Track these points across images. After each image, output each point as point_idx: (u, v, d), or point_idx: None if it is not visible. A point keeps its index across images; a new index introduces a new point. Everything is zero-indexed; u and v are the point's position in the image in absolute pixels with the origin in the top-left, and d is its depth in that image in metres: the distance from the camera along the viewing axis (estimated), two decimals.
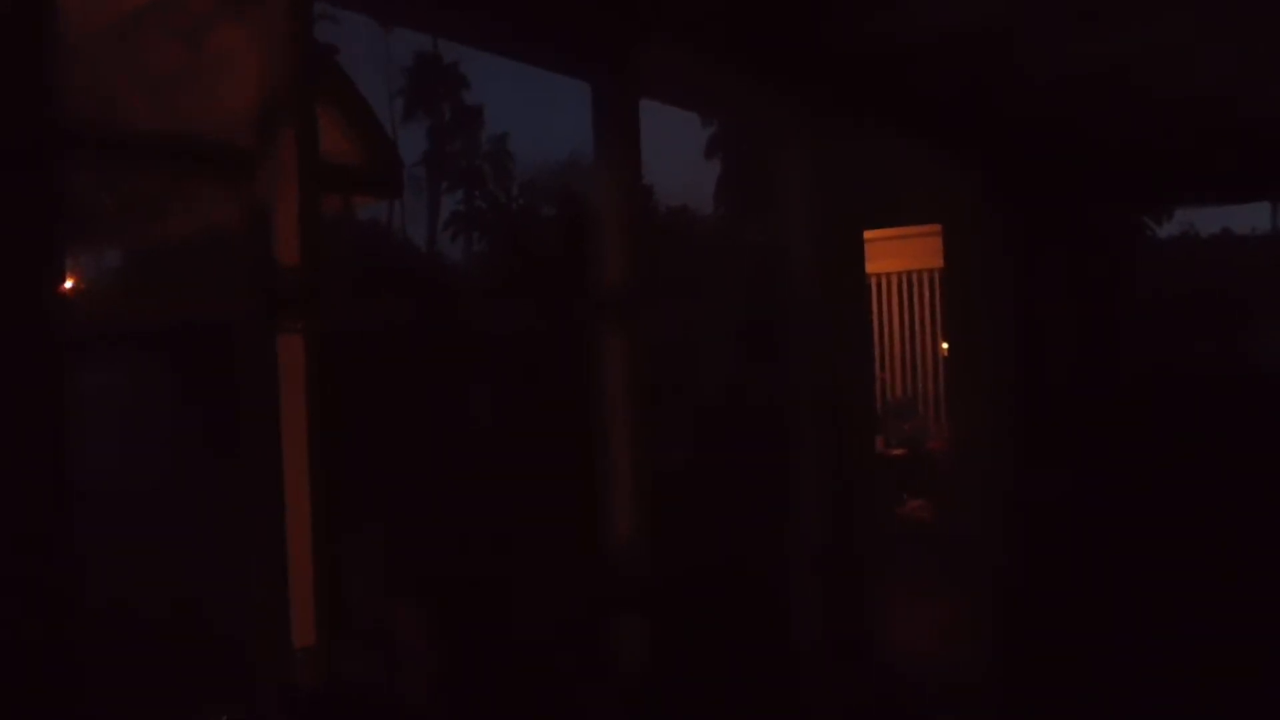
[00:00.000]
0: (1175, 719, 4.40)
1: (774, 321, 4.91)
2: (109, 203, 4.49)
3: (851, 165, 5.11)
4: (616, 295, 3.93)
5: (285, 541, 2.86)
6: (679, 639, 3.97)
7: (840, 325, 4.96)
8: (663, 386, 4.27)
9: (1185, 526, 6.06)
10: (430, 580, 4.26)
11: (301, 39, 2.96)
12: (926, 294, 8.85)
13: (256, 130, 2.92)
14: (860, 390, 5.41)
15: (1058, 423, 6.86)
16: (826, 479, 4.74)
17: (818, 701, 4.48)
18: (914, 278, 8.91)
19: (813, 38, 4.43)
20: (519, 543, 4.70)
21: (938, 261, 7.45)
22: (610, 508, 3.85)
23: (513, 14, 3.64)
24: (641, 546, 3.84)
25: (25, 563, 2.10)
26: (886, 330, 8.97)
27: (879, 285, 8.89)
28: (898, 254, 8.49)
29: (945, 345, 8.32)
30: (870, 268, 6.25)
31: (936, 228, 7.23)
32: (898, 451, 8.04)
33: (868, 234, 5.88)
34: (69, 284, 2.44)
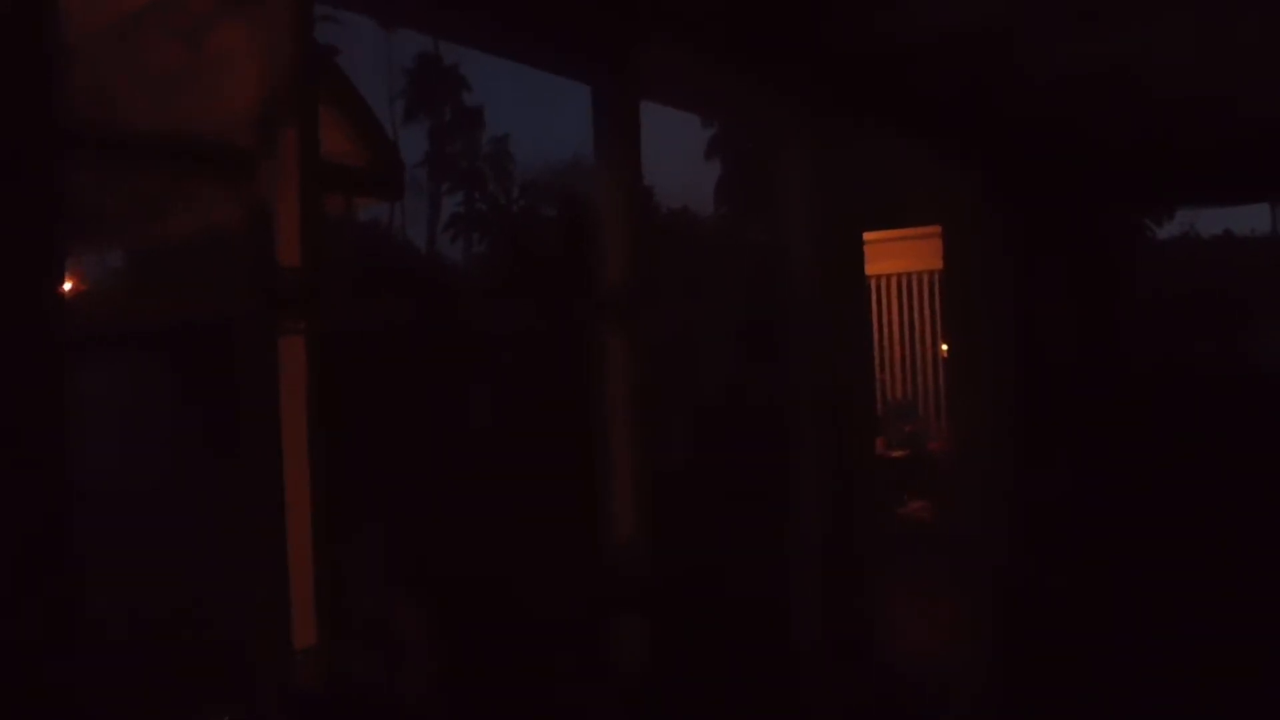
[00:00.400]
0: (1176, 719, 4.40)
1: (774, 322, 4.91)
2: (110, 203, 4.49)
3: (852, 166, 5.11)
4: (617, 296, 3.93)
5: (285, 542, 2.86)
6: (679, 639, 3.97)
7: (840, 326, 4.96)
8: (663, 387, 4.27)
9: (1186, 526, 6.06)
10: (430, 580, 4.26)
11: (302, 40, 2.96)
12: (927, 295, 8.86)
13: (257, 131, 2.93)
14: (860, 391, 5.42)
15: (1058, 423, 6.86)
16: (826, 479, 4.74)
17: (818, 701, 4.48)
18: (914, 279, 8.92)
19: (813, 38, 4.43)
20: (519, 543, 4.70)
21: (938, 263, 7.45)
22: (610, 508, 3.85)
23: (513, 15, 3.64)
24: (641, 546, 3.84)
25: (26, 563, 2.10)
26: (887, 332, 8.98)
27: (879, 287, 8.89)
28: (898, 255, 8.49)
29: (945, 346, 8.33)
30: (870, 269, 6.26)
31: (936, 229, 7.23)
32: (898, 452, 8.04)
33: (868, 235, 5.89)
34: (69, 284, 2.44)
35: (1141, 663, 4.85)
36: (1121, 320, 7.98)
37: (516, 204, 36.43)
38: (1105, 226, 8.09)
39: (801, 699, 4.43)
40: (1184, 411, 7.24)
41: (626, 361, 3.88)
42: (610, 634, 3.83)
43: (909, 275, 8.91)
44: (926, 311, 8.87)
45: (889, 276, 8.92)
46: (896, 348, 9.00)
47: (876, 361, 8.62)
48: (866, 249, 5.62)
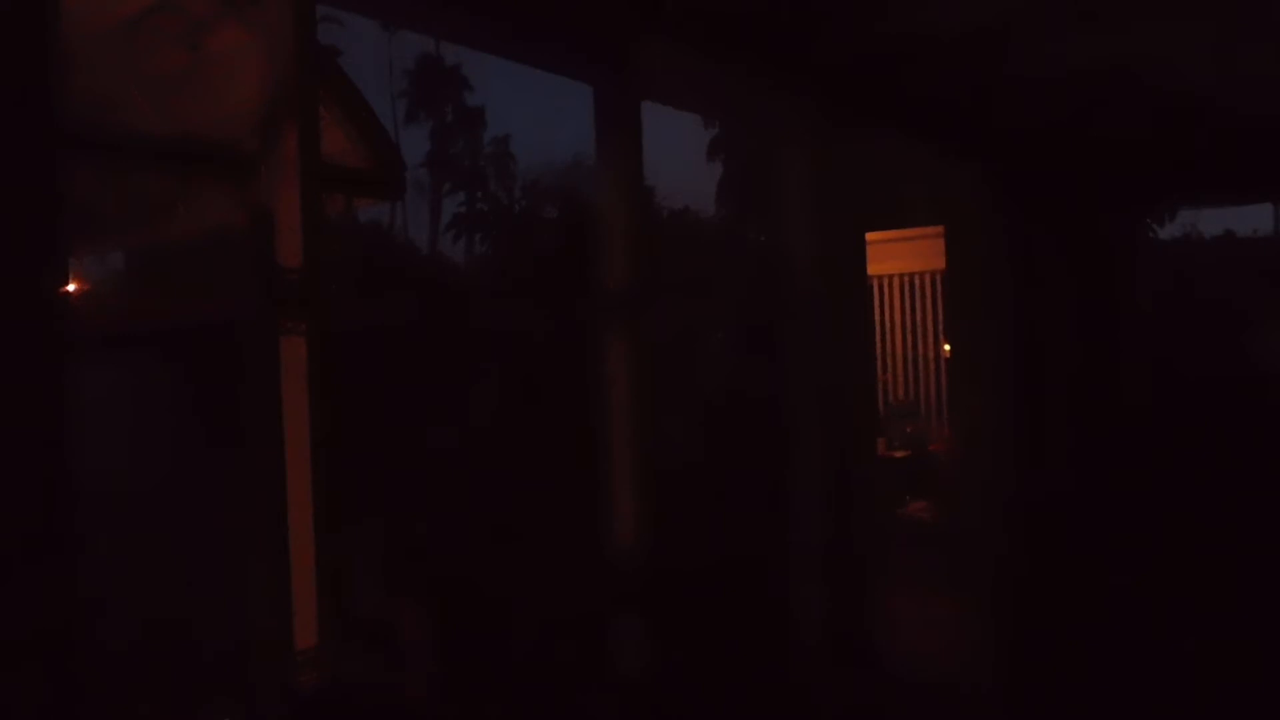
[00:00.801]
0: (1177, 719, 4.40)
1: (776, 322, 4.91)
2: (112, 204, 4.50)
3: (854, 166, 5.11)
4: (619, 296, 3.94)
5: (287, 541, 2.87)
6: (680, 637, 3.97)
7: (842, 326, 4.96)
8: (665, 387, 4.28)
9: (1187, 527, 6.06)
10: (432, 579, 4.26)
11: (304, 41, 2.96)
12: (929, 295, 8.85)
13: (259, 131, 2.93)
14: (862, 391, 5.42)
15: (1059, 424, 6.86)
16: (828, 479, 4.74)
17: (818, 700, 4.48)
18: (916, 279, 8.92)
19: (815, 39, 4.43)
20: (521, 541, 4.70)
21: (940, 263, 7.45)
22: (612, 506, 3.86)
23: (515, 16, 3.64)
24: (643, 545, 3.84)
25: (28, 562, 2.11)
26: (889, 331, 8.97)
27: (881, 287, 8.89)
28: (900, 255, 8.49)
29: (947, 347, 8.33)
30: (872, 269, 6.26)
31: (939, 229, 7.23)
32: (900, 453, 8.04)
33: (870, 236, 5.88)
34: (72, 285, 2.45)
35: (1143, 663, 4.85)
36: (1123, 321, 7.98)
37: (518, 204, 36.42)
38: (1106, 227, 8.09)
39: (802, 698, 4.44)
40: (1185, 412, 7.23)
41: (628, 361, 3.89)
42: (611, 632, 3.84)
43: (911, 275, 8.91)
44: (929, 312, 8.87)
45: (891, 276, 8.92)
46: (898, 348, 9.00)
47: (878, 361, 8.62)
48: (869, 249, 5.62)
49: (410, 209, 35.47)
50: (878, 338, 8.71)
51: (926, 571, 6.10)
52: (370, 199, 6.79)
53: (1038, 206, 7.17)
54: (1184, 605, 5.30)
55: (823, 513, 4.73)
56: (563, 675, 3.82)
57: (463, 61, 38.03)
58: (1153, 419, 7.19)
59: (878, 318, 8.80)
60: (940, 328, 8.71)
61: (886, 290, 8.97)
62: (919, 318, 8.94)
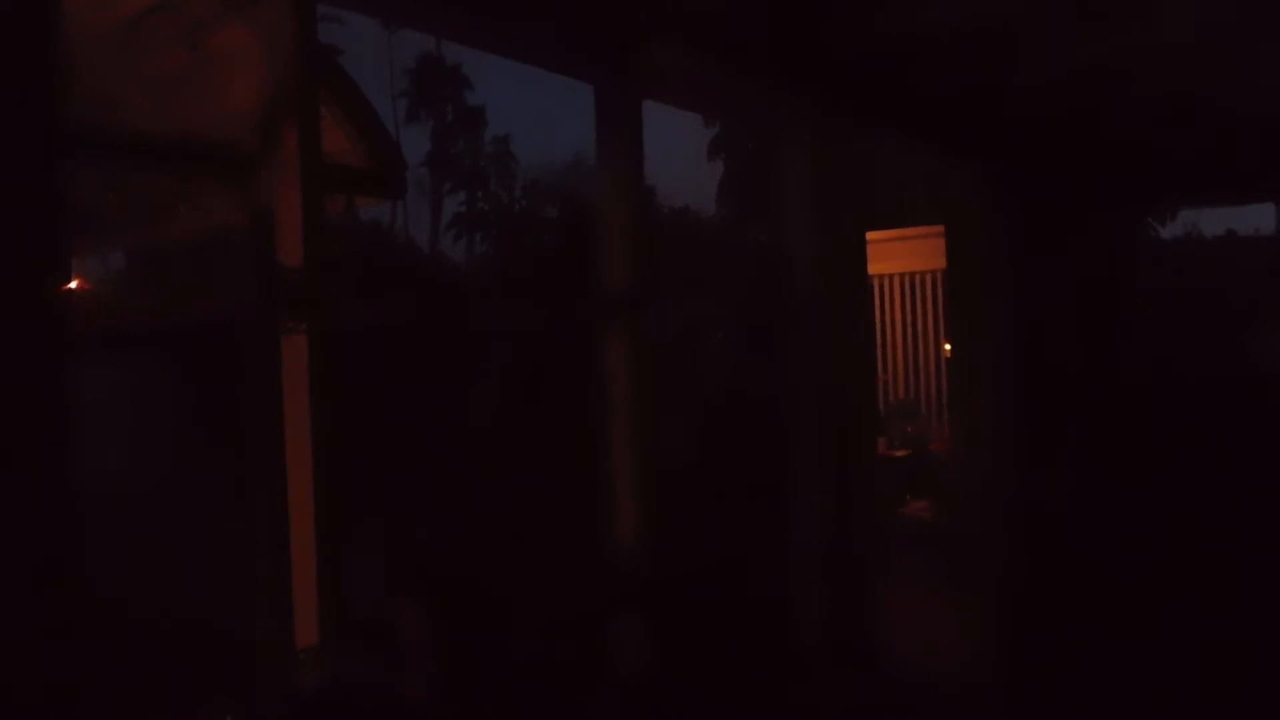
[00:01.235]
0: (1177, 718, 4.40)
1: (776, 322, 4.91)
2: (113, 204, 4.50)
3: (854, 166, 5.11)
4: (619, 295, 3.94)
5: (289, 541, 2.87)
6: (680, 637, 3.97)
7: (842, 325, 4.97)
8: (665, 386, 4.28)
9: (1188, 527, 6.06)
10: (432, 578, 4.26)
11: (305, 40, 2.96)
12: (929, 295, 8.85)
13: (260, 131, 2.93)
14: (862, 390, 5.42)
15: (1060, 423, 6.86)
16: (828, 479, 4.74)
17: (818, 700, 4.48)
18: (917, 279, 8.91)
19: (815, 38, 4.43)
20: (522, 541, 4.70)
21: (940, 262, 7.45)
22: (612, 506, 3.86)
23: (515, 15, 3.64)
24: (643, 545, 3.85)
25: (29, 563, 2.11)
26: (889, 331, 8.97)
27: (882, 286, 8.89)
28: (900, 255, 8.48)
29: (948, 346, 8.32)
30: (873, 269, 6.25)
31: (939, 229, 7.23)
32: (900, 452, 8.04)
33: (870, 235, 5.88)
34: (73, 285, 2.45)
35: (1144, 663, 4.85)
36: (1124, 321, 7.97)
37: (519, 204, 36.44)
38: (1107, 226, 8.09)
39: (802, 698, 4.44)
40: (1186, 412, 7.23)
41: (628, 361, 3.89)
42: (612, 632, 3.84)
43: (912, 275, 8.90)
44: (929, 311, 8.87)
45: (892, 276, 8.92)
46: (899, 347, 9.00)
47: (879, 361, 8.61)
48: (869, 248, 5.62)
49: (411, 209, 35.50)
50: (878, 337, 8.71)
51: (927, 571, 6.10)
52: (371, 199, 6.79)
53: (1038, 206, 7.16)
54: (1184, 605, 5.30)
55: (823, 512, 4.73)
56: (563, 675, 3.82)
57: (463, 61, 38.06)
58: (1153, 418, 7.19)
59: (878, 317, 8.80)
60: (941, 327, 8.70)
61: (887, 290, 8.96)
62: (919, 317, 8.93)
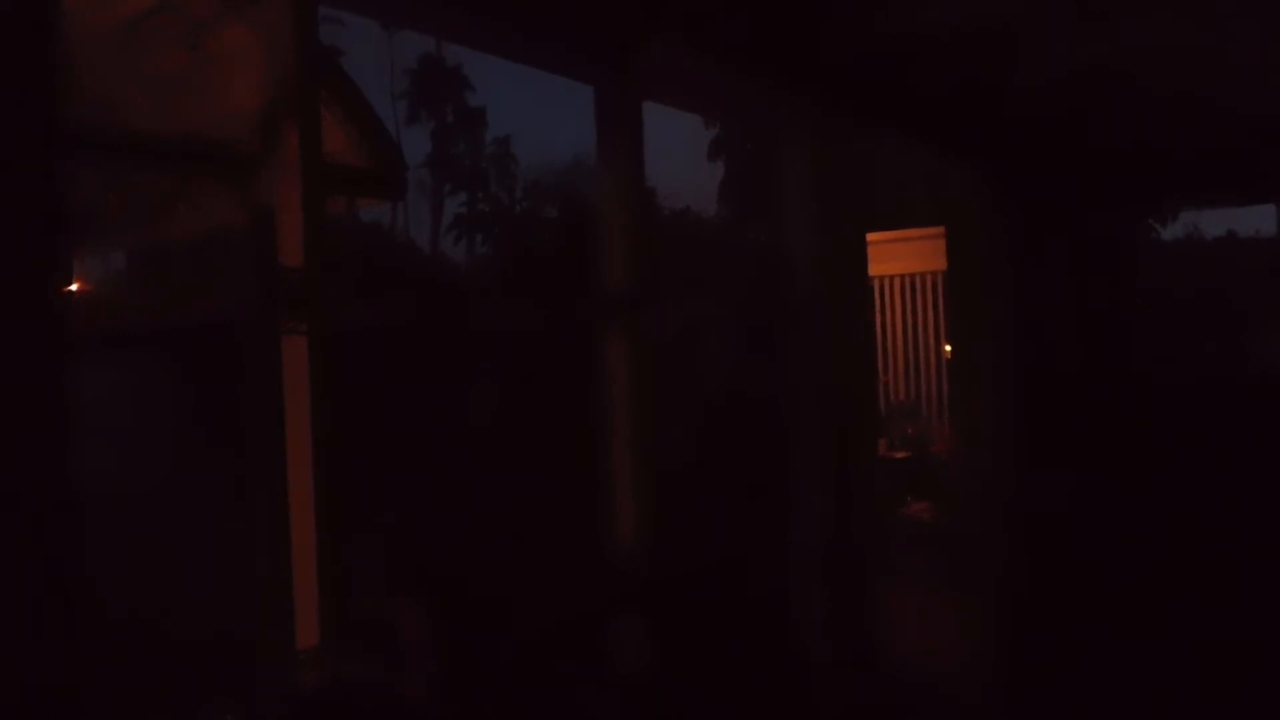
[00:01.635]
0: (1177, 719, 4.40)
1: (776, 323, 4.91)
2: (113, 204, 4.50)
3: (854, 167, 5.11)
4: (619, 296, 3.94)
5: (289, 541, 2.87)
6: (680, 637, 3.97)
7: (843, 326, 4.97)
8: (665, 387, 4.28)
9: (1189, 529, 6.05)
10: (433, 578, 4.26)
11: (305, 41, 2.97)
12: (930, 296, 8.85)
13: (260, 132, 2.93)
14: (862, 392, 5.42)
15: (1061, 425, 6.86)
16: (828, 480, 4.74)
17: (818, 700, 4.48)
18: (917, 280, 8.91)
19: (815, 38, 4.43)
20: (522, 541, 4.70)
21: (941, 263, 7.45)
22: (612, 506, 3.86)
23: (516, 16, 3.65)
24: (643, 545, 3.85)
25: (30, 563, 2.11)
26: (890, 332, 8.97)
27: (882, 287, 8.89)
28: (901, 256, 8.48)
29: (948, 347, 8.32)
30: (873, 270, 6.25)
31: (940, 230, 7.23)
32: (901, 453, 8.04)
33: (871, 236, 5.88)
34: (74, 285, 2.45)
35: (1142, 662, 4.85)
36: (1125, 322, 7.97)
37: (519, 204, 36.45)
38: (1108, 227, 8.08)
39: (802, 698, 4.44)
40: (1187, 413, 7.23)
41: (628, 361, 3.89)
42: (611, 632, 3.84)
43: (912, 276, 8.90)
44: (930, 312, 8.86)
45: (892, 277, 8.91)
46: (899, 348, 8.99)
47: (879, 362, 8.61)
48: (870, 249, 5.62)
49: (411, 209, 35.50)
50: (878, 338, 8.70)
51: (927, 572, 6.10)
52: (371, 199, 6.80)
53: (1039, 206, 7.16)
54: (1184, 605, 5.30)
55: (823, 513, 4.73)
56: (563, 675, 3.82)
57: (464, 61, 38.07)
58: (1153, 419, 7.19)
59: (878, 318, 8.79)
60: (941, 328, 8.70)
61: (888, 290, 8.96)
62: (920, 318, 8.93)
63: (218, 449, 3.57)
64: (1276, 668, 4.59)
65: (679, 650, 3.94)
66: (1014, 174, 6.72)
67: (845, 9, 4.22)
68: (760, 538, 5.08)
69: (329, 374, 2.91)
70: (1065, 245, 7.54)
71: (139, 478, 4.06)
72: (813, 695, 4.50)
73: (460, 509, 5.12)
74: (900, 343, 8.99)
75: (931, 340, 8.88)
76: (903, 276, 8.92)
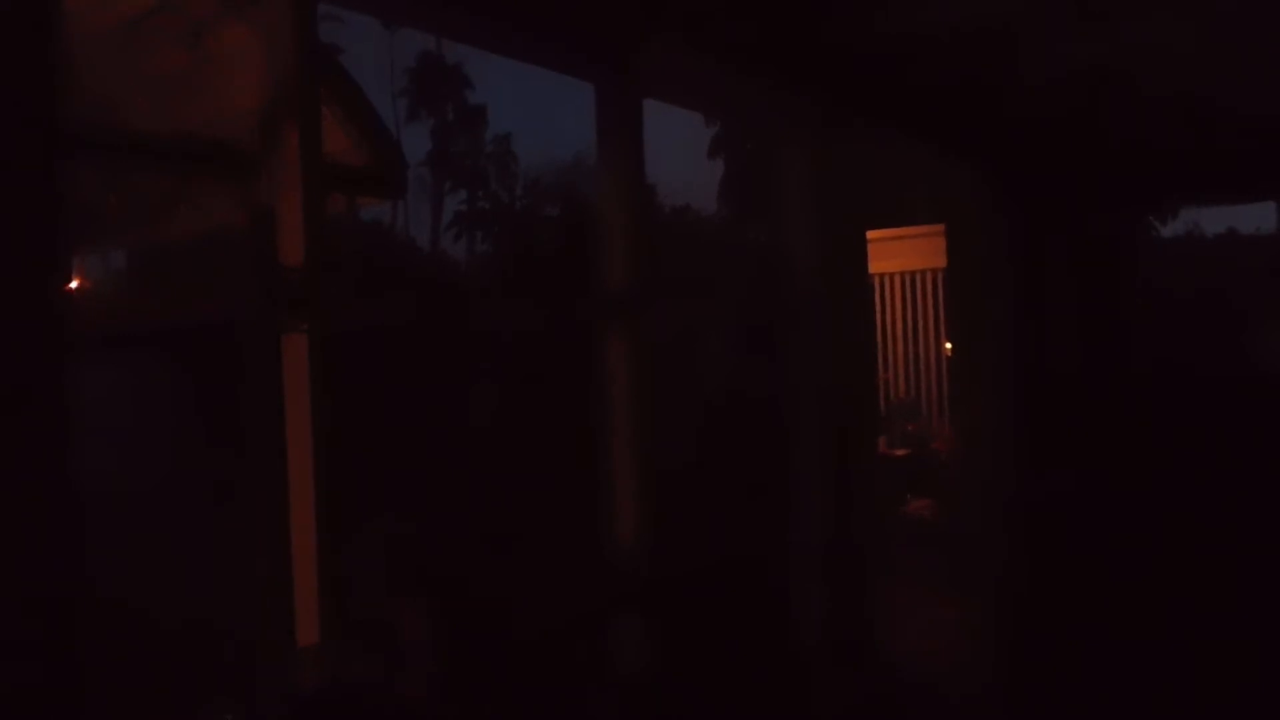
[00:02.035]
0: (1178, 718, 4.40)
1: (776, 321, 4.92)
2: (114, 204, 4.50)
3: (855, 165, 5.11)
4: (619, 295, 3.94)
5: (289, 541, 2.87)
6: (680, 637, 3.97)
7: (843, 324, 4.97)
8: (665, 386, 4.28)
9: (1189, 526, 6.06)
10: (433, 578, 4.27)
11: (305, 39, 2.96)
12: (930, 294, 8.85)
13: (260, 131, 2.93)
14: (863, 390, 5.42)
15: (1061, 423, 6.86)
16: (828, 478, 4.75)
17: (818, 700, 4.48)
18: (917, 277, 8.91)
19: (815, 38, 4.43)
20: (522, 541, 4.71)
21: (941, 261, 7.45)
22: (613, 507, 3.86)
23: (516, 14, 3.65)
24: (643, 545, 3.85)
25: (30, 563, 2.11)
26: (890, 330, 8.97)
27: (882, 285, 8.89)
28: (901, 253, 8.49)
29: (948, 345, 8.32)
30: (873, 267, 6.25)
31: (940, 227, 7.23)
32: (901, 451, 8.04)
33: (871, 234, 5.88)
34: (74, 285, 2.45)
35: (1142, 662, 4.86)
36: (1125, 320, 7.97)
37: (519, 203, 36.45)
38: (1108, 225, 8.09)
39: (802, 698, 4.44)
40: (1188, 411, 7.23)
41: (628, 360, 3.89)
42: (612, 632, 3.84)
43: (912, 274, 8.90)
44: (930, 310, 8.87)
45: (892, 275, 8.92)
46: (899, 346, 9.00)
47: (879, 360, 8.62)
48: (870, 247, 5.62)
49: (412, 208, 35.50)
50: (879, 336, 8.71)
51: (927, 570, 6.11)
52: (372, 198, 6.79)
53: (1039, 205, 7.17)
54: (1184, 605, 5.30)
55: (823, 512, 4.73)
56: (563, 675, 3.82)
57: (464, 60, 38.06)
58: (1154, 418, 7.19)
59: (879, 316, 8.80)
60: (941, 326, 8.70)
61: (888, 288, 8.97)
62: (920, 316, 8.93)
63: (218, 449, 3.57)
64: (1277, 668, 4.59)
65: (679, 650, 3.94)
66: (1014, 173, 6.72)
67: (845, 9, 4.22)
68: (760, 537, 5.09)
69: (329, 374, 2.91)
70: (1065, 244, 7.54)
71: (139, 477, 4.06)
72: (813, 694, 4.50)
73: (460, 508, 5.12)
74: (900, 340, 9.00)
75: (931, 338, 8.88)
76: (903, 274, 8.92)
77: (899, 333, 8.99)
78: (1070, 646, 5.02)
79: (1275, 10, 4.33)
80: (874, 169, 5.67)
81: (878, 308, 8.80)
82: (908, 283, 8.96)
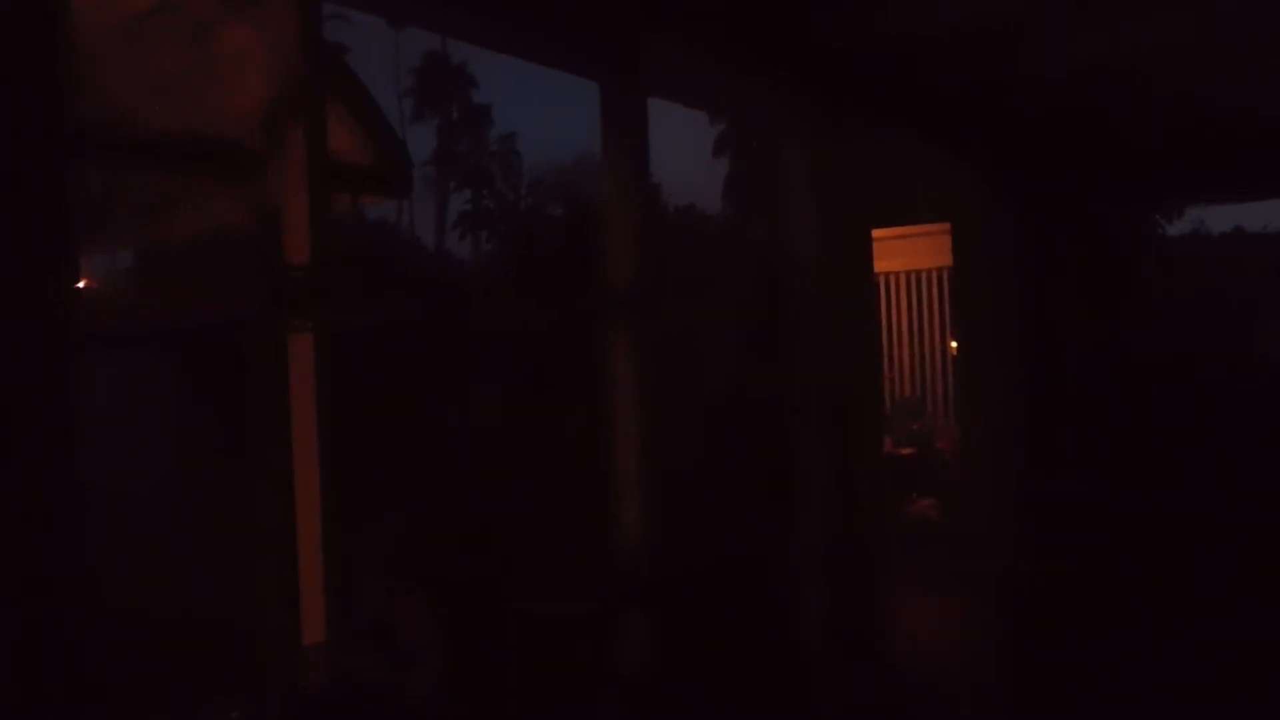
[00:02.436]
0: (1181, 718, 4.39)
1: (781, 320, 4.91)
2: (119, 203, 4.51)
3: (860, 164, 5.11)
4: (624, 294, 3.94)
5: (295, 538, 2.88)
6: (685, 636, 3.98)
7: (848, 323, 4.96)
8: (670, 385, 4.28)
9: (1194, 525, 6.04)
10: (437, 577, 4.27)
11: (310, 39, 2.97)
12: (935, 293, 8.84)
13: (266, 130, 2.94)
14: (867, 389, 5.41)
15: (1066, 421, 6.85)
16: (833, 477, 4.74)
17: (822, 698, 4.48)
18: (922, 277, 8.90)
19: (818, 37, 4.43)
20: (527, 540, 4.71)
21: (946, 260, 7.44)
22: (618, 505, 3.86)
23: (520, 14, 3.65)
24: (648, 544, 3.85)
25: (37, 560, 2.12)
26: (895, 329, 8.96)
27: (887, 284, 8.88)
28: (906, 252, 8.48)
29: (954, 344, 8.31)
30: (879, 266, 6.25)
31: (945, 226, 7.22)
32: (906, 450, 8.03)
33: (876, 233, 5.88)
34: (81, 284, 2.46)
35: (1150, 662, 4.85)
36: (1131, 318, 7.96)
37: (524, 202, 36.43)
38: (1114, 224, 8.07)
39: (806, 696, 4.44)
40: (1194, 409, 7.22)
41: (633, 359, 3.89)
42: (617, 631, 3.84)
43: (917, 273, 8.89)
44: (935, 309, 8.86)
45: (897, 274, 8.91)
46: (904, 345, 8.99)
47: (884, 359, 8.61)
48: (875, 246, 5.61)
49: (416, 207, 35.51)
50: (883, 335, 8.70)
51: (932, 569, 6.10)
52: (376, 197, 6.81)
53: (1043, 204, 7.15)
54: (1189, 605, 5.29)
55: (827, 511, 4.73)
56: (569, 674, 3.82)
57: (469, 59, 38.04)
58: (1160, 416, 7.18)
59: (883, 315, 8.79)
60: (946, 325, 8.70)
61: (893, 287, 8.96)
62: (925, 315, 8.93)
63: (224, 447, 3.58)
64: (1278, 668, 4.58)
65: (684, 649, 3.94)
66: (1019, 172, 6.71)
67: (847, 9, 4.22)
68: (764, 536, 5.08)
69: (334, 372, 2.92)
70: (1070, 242, 7.53)
71: (146, 475, 4.07)
72: (817, 693, 4.50)
73: (465, 507, 5.13)
74: (905, 339, 8.99)
75: (936, 337, 8.87)
76: (908, 273, 8.91)
77: (904, 332, 8.98)
78: (1074, 646, 5.01)
79: (1277, 8, 4.32)
80: (878, 168, 5.67)
81: (883, 307, 8.79)
82: (912, 282, 8.95)
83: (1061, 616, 5.31)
